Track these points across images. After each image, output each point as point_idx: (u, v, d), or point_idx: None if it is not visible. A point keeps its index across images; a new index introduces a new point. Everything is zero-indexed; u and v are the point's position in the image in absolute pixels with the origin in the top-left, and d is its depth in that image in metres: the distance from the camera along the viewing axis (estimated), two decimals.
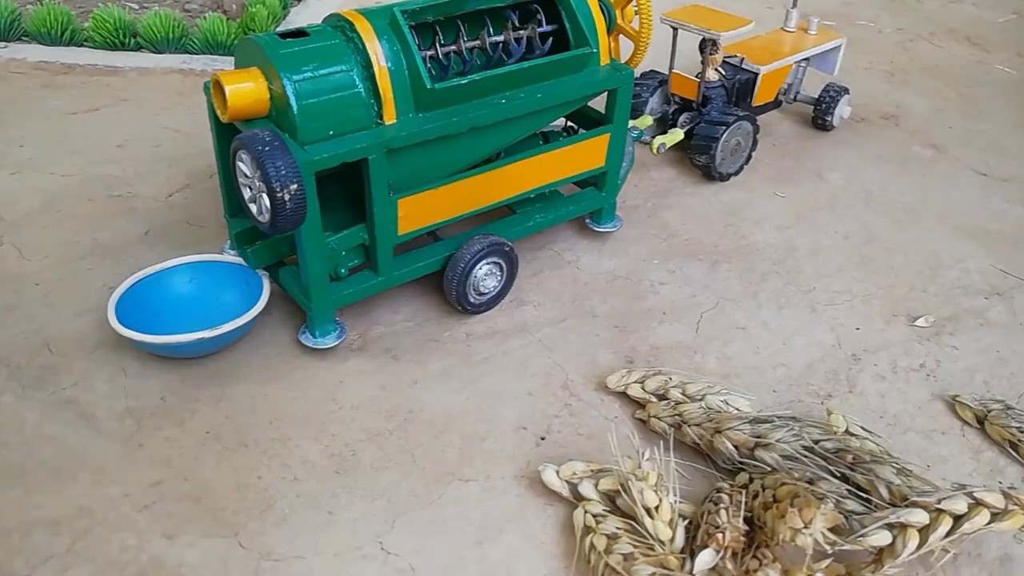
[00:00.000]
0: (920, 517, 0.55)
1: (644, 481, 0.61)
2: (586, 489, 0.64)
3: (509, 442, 0.71)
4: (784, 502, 0.57)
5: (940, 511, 0.55)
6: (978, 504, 0.55)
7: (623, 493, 0.62)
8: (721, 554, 0.56)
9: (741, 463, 0.65)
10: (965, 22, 1.63)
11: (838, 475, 0.63)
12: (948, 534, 0.55)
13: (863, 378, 0.79)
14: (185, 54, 1.41)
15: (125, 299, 0.77)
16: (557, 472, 0.66)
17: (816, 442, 0.66)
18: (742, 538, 0.57)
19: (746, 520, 0.59)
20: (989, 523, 0.55)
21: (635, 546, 0.58)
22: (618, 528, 0.60)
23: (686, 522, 0.60)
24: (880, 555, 0.56)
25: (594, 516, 0.61)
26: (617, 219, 0.97)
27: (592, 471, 0.66)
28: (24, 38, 1.42)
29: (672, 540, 0.58)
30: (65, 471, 0.67)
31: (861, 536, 0.56)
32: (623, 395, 0.76)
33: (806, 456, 0.64)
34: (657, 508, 0.60)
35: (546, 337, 0.82)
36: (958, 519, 0.55)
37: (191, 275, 0.82)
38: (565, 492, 0.65)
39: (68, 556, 0.61)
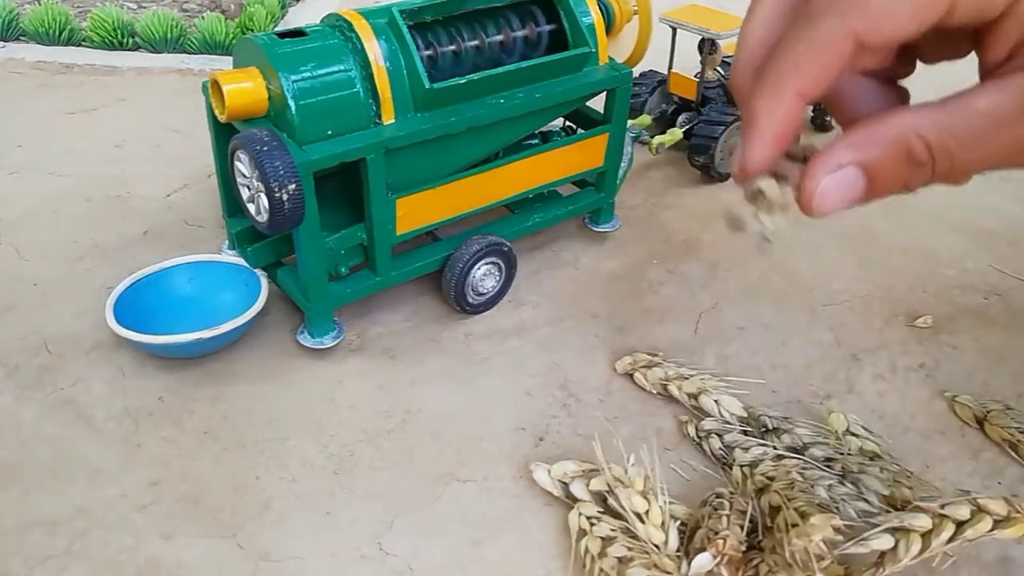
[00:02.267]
0: (923, 521, 0.55)
1: (631, 487, 0.60)
2: (577, 489, 0.64)
3: (507, 443, 0.71)
4: (788, 511, 0.57)
5: (943, 516, 0.55)
6: (981, 511, 0.55)
7: (611, 497, 0.62)
8: (718, 560, 0.56)
9: (732, 463, 0.66)
10: None
11: (837, 478, 0.63)
12: (950, 540, 0.54)
13: (862, 378, 0.79)
14: (183, 54, 1.40)
15: (123, 299, 0.77)
16: (549, 472, 0.66)
17: (805, 446, 0.66)
18: (740, 545, 0.57)
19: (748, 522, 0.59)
20: (991, 530, 0.55)
21: (629, 548, 0.58)
22: (612, 531, 0.59)
23: (678, 523, 0.60)
24: (882, 558, 0.56)
25: (588, 518, 0.61)
26: (615, 219, 0.97)
27: (584, 471, 0.65)
28: (22, 38, 1.42)
29: (666, 543, 0.58)
30: (63, 471, 0.67)
31: (863, 540, 0.55)
32: (622, 395, 0.76)
33: (801, 458, 0.64)
34: (647, 512, 0.59)
35: (545, 337, 0.82)
36: (960, 525, 0.55)
37: (189, 275, 0.82)
38: (557, 492, 0.65)
39: (66, 556, 0.61)
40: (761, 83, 0.42)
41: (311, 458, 0.69)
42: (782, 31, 0.44)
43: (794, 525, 0.55)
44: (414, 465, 0.68)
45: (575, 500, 0.63)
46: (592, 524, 0.60)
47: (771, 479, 0.61)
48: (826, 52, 0.41)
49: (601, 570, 0.57)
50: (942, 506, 0.55)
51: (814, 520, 0.55)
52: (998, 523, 0.55)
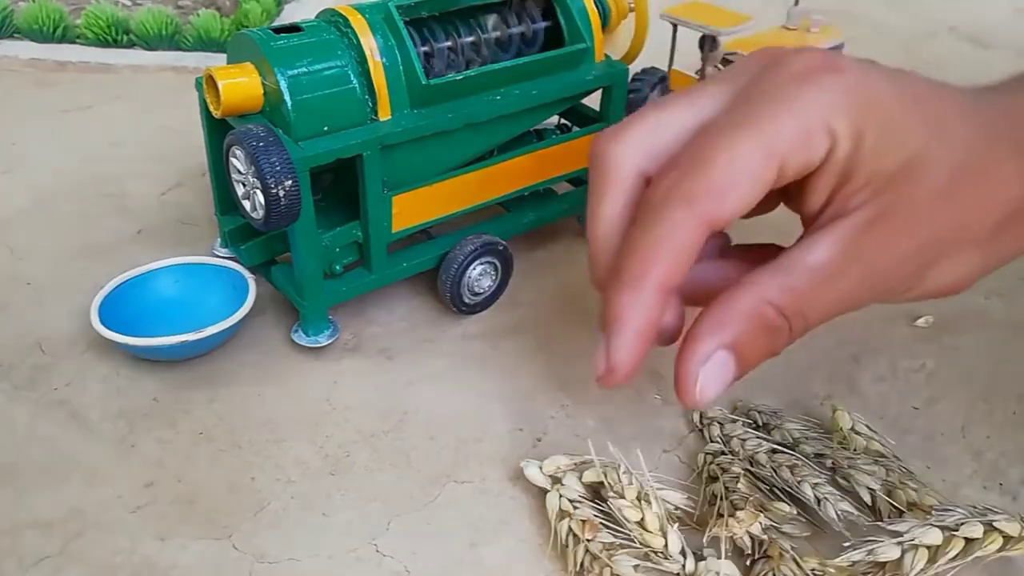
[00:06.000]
0: (934, 538, 0.54)
1: (624, 498, 0.60)
2: (570, 482, 0.63)
3: (504, 443, 0.70)
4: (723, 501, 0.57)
5: (953, 535, 0.54)
6: (993, 531, 0.54)
7: (604, 491, 0.61)
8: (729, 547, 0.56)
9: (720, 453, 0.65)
10: (966, 20, 1.62)
11: (827, 475, 0.63)
12: (958, 556, 0.54)
13: (863, 379, 0.78)
14: (178, 51, 1.40)
15: (110, 301, 0.76)
16: (540, 467, 0.65)
17: (796, 441, 0.66)
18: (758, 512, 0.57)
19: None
20: (1001, 549, 0.54)
21: (615, 537, 0.58)
22: (596, 515, 0.59)
23: (676, 525, 0.59)
24: (883, 568, 0.56)
25: (571, 501, 0.60)
26: None
27: (575, 464, 0.65)
28: (16, 35, 1.42)
29: (666, 547, 0.57)
30: (57, 472, 0.66)
31: (870, 551, 0.55)
32: (621, 395, 0.75)
33: (789, 452, 0.64)
34: (642, 520, 0.59)
35: (542, 337, 0.82)
36: (970, 542, 0.54)
37: (175, 277, 0.81)
38: (550, 487, 0.64)
39: (61, 558, 0.60)
40: (619, 280, 0.40)
41: (307, 459, 0.68)
42: (628, 221, 0.42)
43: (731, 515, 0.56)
44: (411, 466, 0.68)
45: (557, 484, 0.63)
46: (575, 507, 0.60)
47: (724, 469, 0.61)
48: (680, 242, 0.39)
49: (587, 551, 0.57)
50: (957, 526, 0.55)
51: (741, 514, 0.55)
52: (1008, 541, 0.54)
